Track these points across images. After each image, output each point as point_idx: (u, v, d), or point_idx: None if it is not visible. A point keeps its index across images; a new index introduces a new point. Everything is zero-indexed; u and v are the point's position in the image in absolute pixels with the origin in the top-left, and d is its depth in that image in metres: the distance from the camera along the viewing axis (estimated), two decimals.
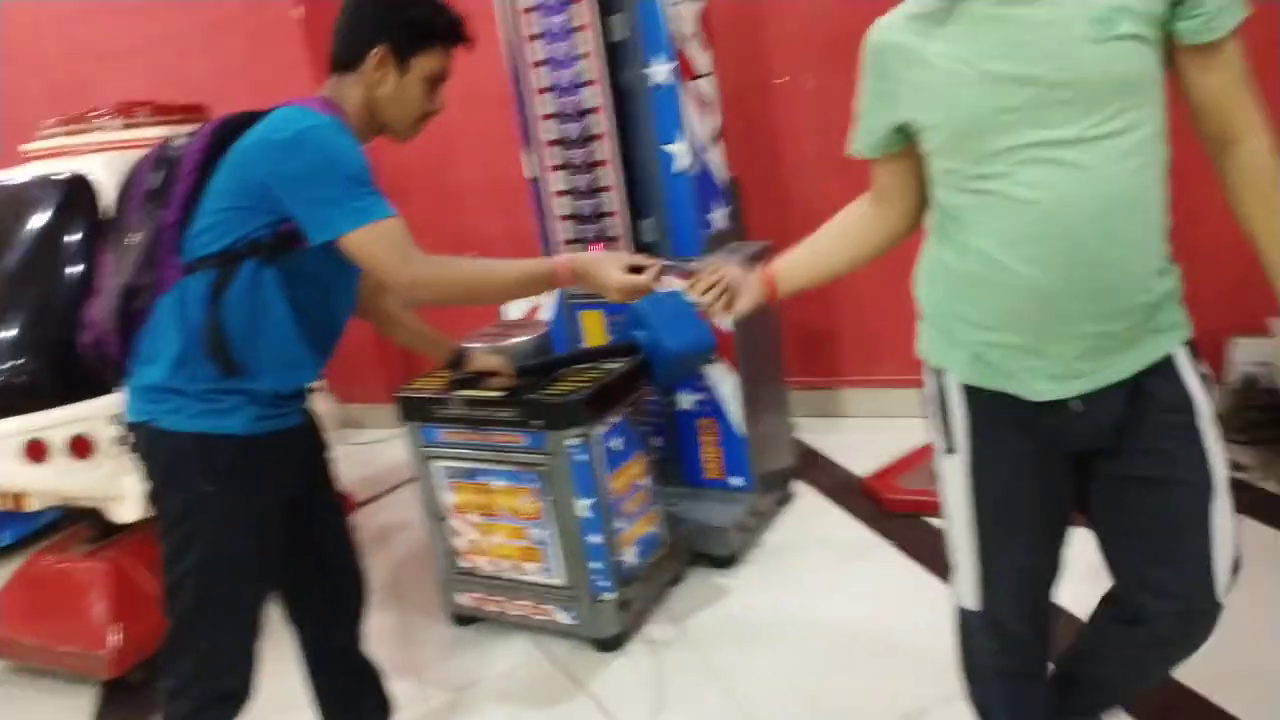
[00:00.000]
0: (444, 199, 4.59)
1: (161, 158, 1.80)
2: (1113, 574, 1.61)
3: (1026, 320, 1.43)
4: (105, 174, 2.94)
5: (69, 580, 2.99)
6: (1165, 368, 1.46)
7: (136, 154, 2.97)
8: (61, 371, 2.78)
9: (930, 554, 2.94)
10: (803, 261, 1.73)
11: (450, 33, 1.86)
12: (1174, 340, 1.47)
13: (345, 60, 1.83)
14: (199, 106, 3.43)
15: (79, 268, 2.86)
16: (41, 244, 2.89)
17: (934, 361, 1.61)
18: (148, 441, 1.78)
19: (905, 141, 1.56)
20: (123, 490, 2.80)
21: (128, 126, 3.22)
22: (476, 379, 2.57)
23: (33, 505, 2.84)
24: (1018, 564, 1.62)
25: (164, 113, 3.30)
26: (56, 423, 2.72)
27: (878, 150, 1.60)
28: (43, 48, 5.25)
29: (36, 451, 2.69)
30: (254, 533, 1.80)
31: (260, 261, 1.71)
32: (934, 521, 3.11)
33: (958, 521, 1.62)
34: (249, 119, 1.74)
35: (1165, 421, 1.47)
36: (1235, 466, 3.06)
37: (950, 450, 1.60)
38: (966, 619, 1.70)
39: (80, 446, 2.74)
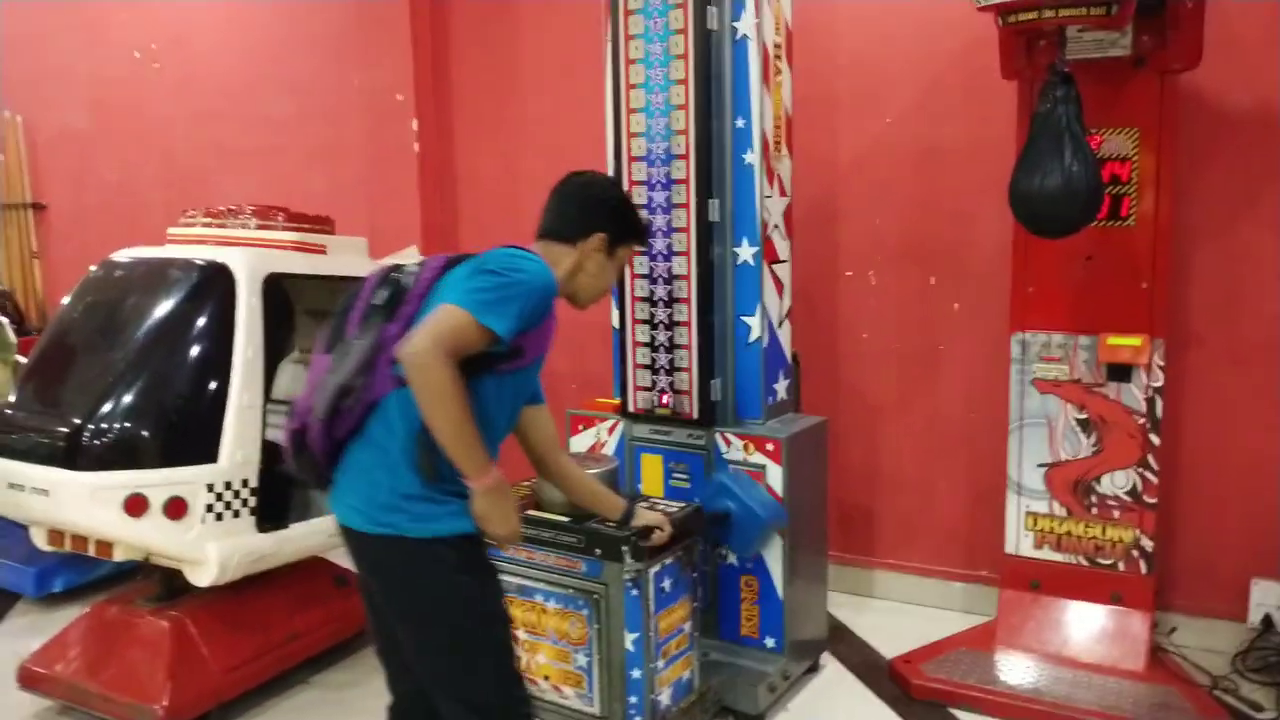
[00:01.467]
0: None
1: (389, 278, 2.05)
2: None
3: None
4: (239, 266, 3.23)
5: (133, 633, 3.14)
6: None
7: (266, 252, 3.33)
8: (168, 437, 3.01)
9: None
10: None
11: (646, 236, 2.40)
12: None
13: (566, 235, 2.18)
14: (326, 218, 3.76)
15: (204, 346, 3.12)
16: (173, 319, 3.15)
17: None
18: (392, 550, 1.94)
19: None
20: (206, 555, 2.98)
21: (261, 227, 3.53)
22: (646, 533, 2.72)
23: (118, 556, 3.00)
24: None
25: (295, 220, 3.62)
26: (158, 483, 2.92)
27: None
28: (172, 139, 5.72)
29: (137, 506, 2.88)
30: (501, 604, 2.08)
31: (470, 378, 1.89)
32: (956, 713, 3.20)
33: None
34: (471, 255, 2.04)
35: None
36: (1254, 707, 3.17)
37: None
38: None
39: (176, 508, 2.93)
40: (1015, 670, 3.32)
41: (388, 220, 4.77)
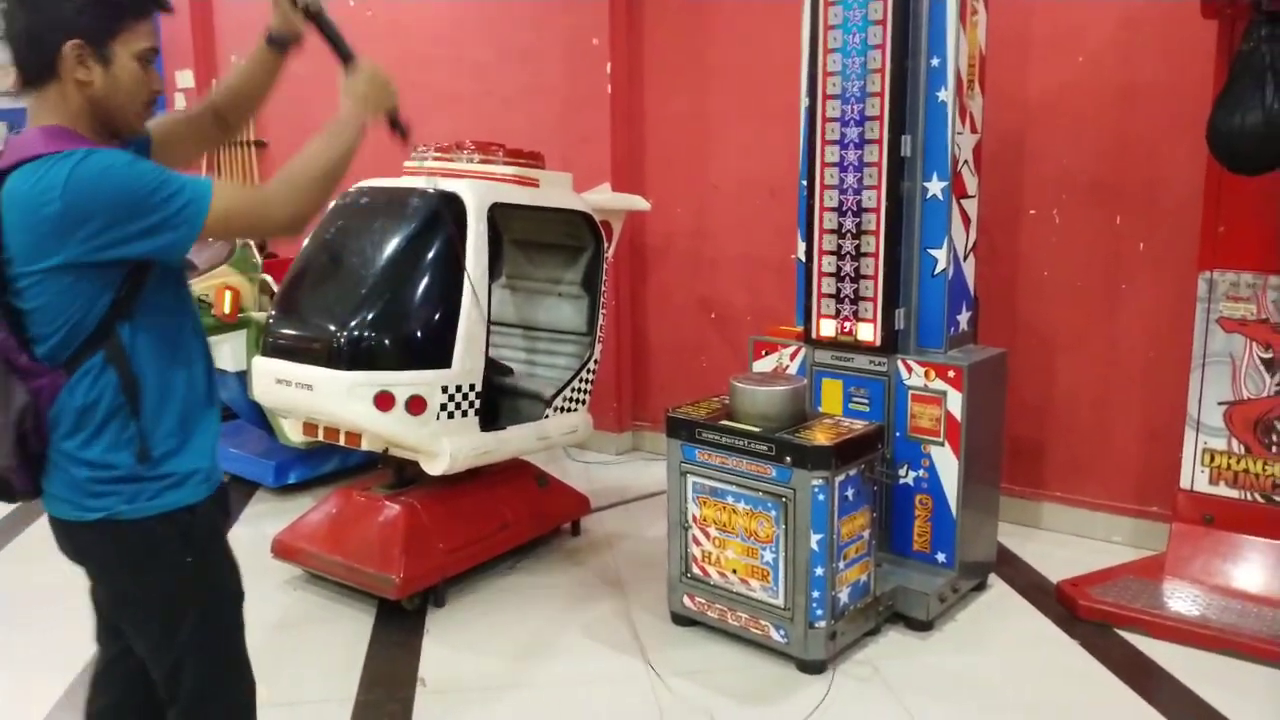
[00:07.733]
0: (699, 266, 5.16)
1: None
2: None
3: None
4: (469, 195, 3.59)
5: (373, 514, 3.62)
6: None
7: (489, 183, 3.68)
8: (411, 343, 3.42)
9: (1116, 659, 3.20)
10: None
11: (142, 4, 1.70)
12: None
13: (37, 73, 1.63)
14: (537, 154, 4.09)
15: (439, 265, 3.50)
16: (409, 242, 3.55)
17: None
18: (105, 536, 1.76)
19: None
20: (440, 447, 3.41)
21: (483, 162, 3.89)
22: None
23: (365, 445, 3.45)
24: None
25: (512, 155, 3.96)
26: (402, 382, 3.33)
27: None
28: None
29: (385, 402, 3.31)
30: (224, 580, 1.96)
31: (125, 318, 1.67)
32: (1122, 633, 3.35)
33: None
34: None
35: None
36: None
37: None
38: None
39: (416, 404, 3.34)
40: (1184, 598, 3.43)
41: (581, 158, 5.09)
